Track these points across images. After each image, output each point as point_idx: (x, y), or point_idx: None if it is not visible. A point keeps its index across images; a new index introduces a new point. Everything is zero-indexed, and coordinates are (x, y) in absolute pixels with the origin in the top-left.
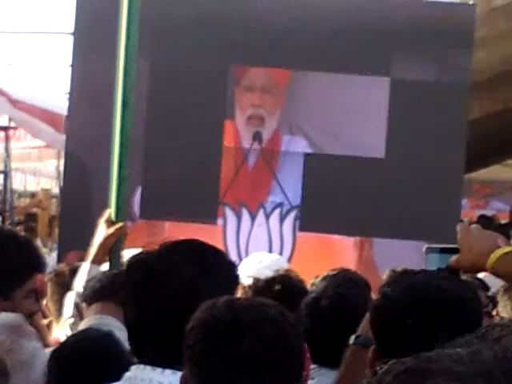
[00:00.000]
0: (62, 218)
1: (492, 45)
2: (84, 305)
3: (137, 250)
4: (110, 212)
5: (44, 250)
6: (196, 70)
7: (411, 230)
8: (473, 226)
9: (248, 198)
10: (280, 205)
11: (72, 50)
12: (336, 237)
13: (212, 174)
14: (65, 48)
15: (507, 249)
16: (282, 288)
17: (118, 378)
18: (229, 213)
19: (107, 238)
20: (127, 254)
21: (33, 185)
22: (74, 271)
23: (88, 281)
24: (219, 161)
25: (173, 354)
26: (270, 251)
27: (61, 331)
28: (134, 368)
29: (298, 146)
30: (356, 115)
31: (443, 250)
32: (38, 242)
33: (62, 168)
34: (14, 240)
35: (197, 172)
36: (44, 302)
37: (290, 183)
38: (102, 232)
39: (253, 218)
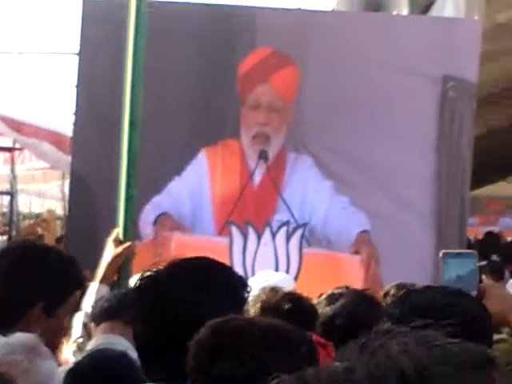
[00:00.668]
0: (68, 239)
1: (495, 60)
2: (92, 325)
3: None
4: (118, 231)
5: None
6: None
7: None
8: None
9: (254, 216)
10: (286, 223)
11: (77, 70)
12: (342, 254)
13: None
14: (70, 68)
15: None
16: (291, 307)
17: None
18: (235, 232)
19: (115, 258)
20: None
21: (37, 206)
22: (82, 291)
23: (96, 301)
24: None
25: (181, 371)
26: (277, 270)
27: (69, 351)
28: None
29: (305, 164)
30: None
31: (460, 255)
32: None
33: (66, 189)
34: (59, 257)
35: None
36: None
37: (296, 201)
38: (110, 251)
39: (259, 236)
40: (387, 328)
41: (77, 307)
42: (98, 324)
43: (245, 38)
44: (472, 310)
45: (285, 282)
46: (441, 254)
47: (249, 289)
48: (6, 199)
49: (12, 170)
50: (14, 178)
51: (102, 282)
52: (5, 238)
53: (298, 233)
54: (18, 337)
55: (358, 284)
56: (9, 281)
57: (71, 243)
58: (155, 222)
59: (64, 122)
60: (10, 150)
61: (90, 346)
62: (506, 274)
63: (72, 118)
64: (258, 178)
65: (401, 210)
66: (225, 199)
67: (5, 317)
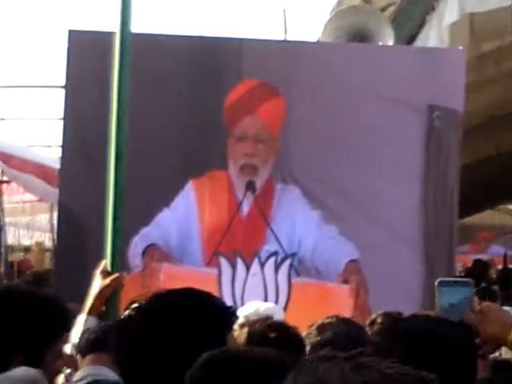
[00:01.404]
0: (56, 271)
1: (481, 90)
2: (79, 356)
3: None
4: (106, 263)
5: None
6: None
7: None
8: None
9: (242, 247)
10: (274, 253)
11: (64, 103)
12: (331, 284)
13: None
14: (56, 101)
15: None
16: (277, 335)
17: None
18: (223, 262)
19: (103, 289)
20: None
21: (26, 238)
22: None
23: (83, 332)
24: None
25: None
26: (266, 300)
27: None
28: None
29: (292, 194)
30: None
31: (456, 283)
32: None
33: (55, 221)
34: (39, 304)
35: None
36: None
37: (285, 231)
38: (97, 283)
39: (248, 267)
40: (326, 354)
41: None
42: (83, 356)
43: (231, 70)
44: (452, 336)
45: (274, 311)
46: (436, 283)
47: (234, 317)
48: None
49: (0, 203)
50: (1, 211)
51: (89, 313)
52: None
53: (287, 263)
54: (21, 371)
55: (347, 313)
56: None
57: (59, 275)
58: (144, 254)
59: (51, 155)
60: None
61: (77, 377)
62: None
63: (59, 151)
64: (246, 208)
65: (389, 239)
66: (213, 230)
67: None
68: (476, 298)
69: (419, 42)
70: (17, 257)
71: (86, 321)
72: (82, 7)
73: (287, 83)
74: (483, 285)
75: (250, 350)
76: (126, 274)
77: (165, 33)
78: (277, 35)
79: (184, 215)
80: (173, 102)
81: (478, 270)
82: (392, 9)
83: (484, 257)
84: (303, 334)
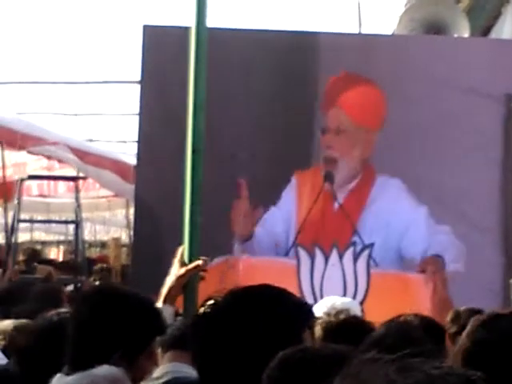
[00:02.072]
0: (134, 266)
1: None
2: (160, 350)
3: None
4: (183, 249)
5: None
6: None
7: None
8: None
9: (321, 238)
10: (353, 244)
11: (139, 98)
12: (410, 274)
13: None
14: (131, 96)
15: None
16: (353, 331)
17: None
18: (302, 253)
19: (179, 278)
20: None
21: (103, 234)
22: None
23: (168, 326)
24: None
25: None
26: (345, 289)
27: None
28: None
29: (394, 187)
30: None
31: None
32: None
33: (131, 217)
34: (139, 304)
35: None
36: None
37: (378, 223)
38: (174, 271)
39: (326, 257)
40: (372, 356)
41: None
42: (165, 351)
43: (309, 64)
44: None
45: (350, 306)
46: (511, 281)
47: (311, 315)
48: (71, 228)
49: (76, 199)
50: (78, 207)
51: (165, 302)
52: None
53: (365, 253)
54: (104, 369)
55: (426, 304)
56: (88, 329)
57: (137, 270)
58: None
59: (126, 150)
60: (73, 179)
61: (157, 373)
62: None
63: (134, 146)
64: (334, 200)
65: (469, 230)
66: (306, 222)
67: (85, 362)
68: None
69: (494, 34)
70: (94, 252)
71: (161, 310)
72: (158, 2)
73: (368, 76)
74: None
75: (325, 347)
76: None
77: (239, 27)
78: (351, 28)
79: (286, 211)
80: (266, 98)
81: None
82: (467, 1)
83: None
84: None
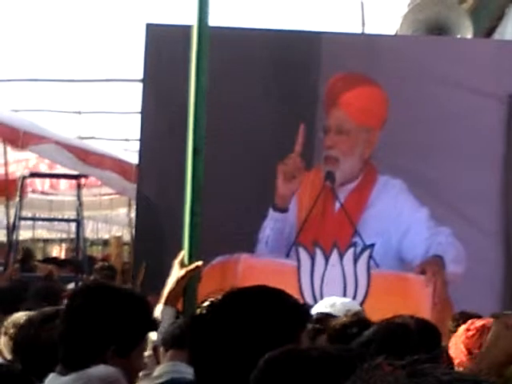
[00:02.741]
0: (135, 264)
1: None
2: (162, 349)
3: None
4: (184, 253)
5: None
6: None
7: None
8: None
9: (322, 238)
10: (354, 244)
11: (141, 96)
12: (410, 274)
13: None
14: (134, 94)
15: None
16: (358, 331)
17: None
18: (302, 253)
19: (179, 280)
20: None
21: (104, 232)
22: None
23: (168, 325)
24: None
25: None
26: (345, 290)
27: None
28: None
29: (395, 187)
30: None
31: None
32: None
33: (133, 215)
34: (132, 299)
35: None
36: None
37: (378, 223)
38: (175, 273)
39: (327, 258)
40: (382, 361)
41: None
42: (167, 350)
43: (311, 63)
44: None
45: (350, 306)
46: None
47: (308, 316)
48: (73, 225)
49: (78, 197)
50: (80, 205)
51: (166, 303)
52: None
53: (366, 254)
54: (99, 369)
55: (426, 304)
56: (80, 325)
57: (138, 268)
58: None
59: (128, 148)
60: (75, 177)
61: (156, 372)
62: None
63: (136, 144)
64: (334, 201)
65: (470, 231)
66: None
67: (77, 359)
68: None
69: (497, 35)
70: (95, 250)
71: (162, 311)
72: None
73: (372, 76)
74: None
75: (312, 348)
76: (202, 266)
77: (242, 26)
78: (354, 28)
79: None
80: (266, 99)
81: None
82: (470, 1)
83: None
84: None
